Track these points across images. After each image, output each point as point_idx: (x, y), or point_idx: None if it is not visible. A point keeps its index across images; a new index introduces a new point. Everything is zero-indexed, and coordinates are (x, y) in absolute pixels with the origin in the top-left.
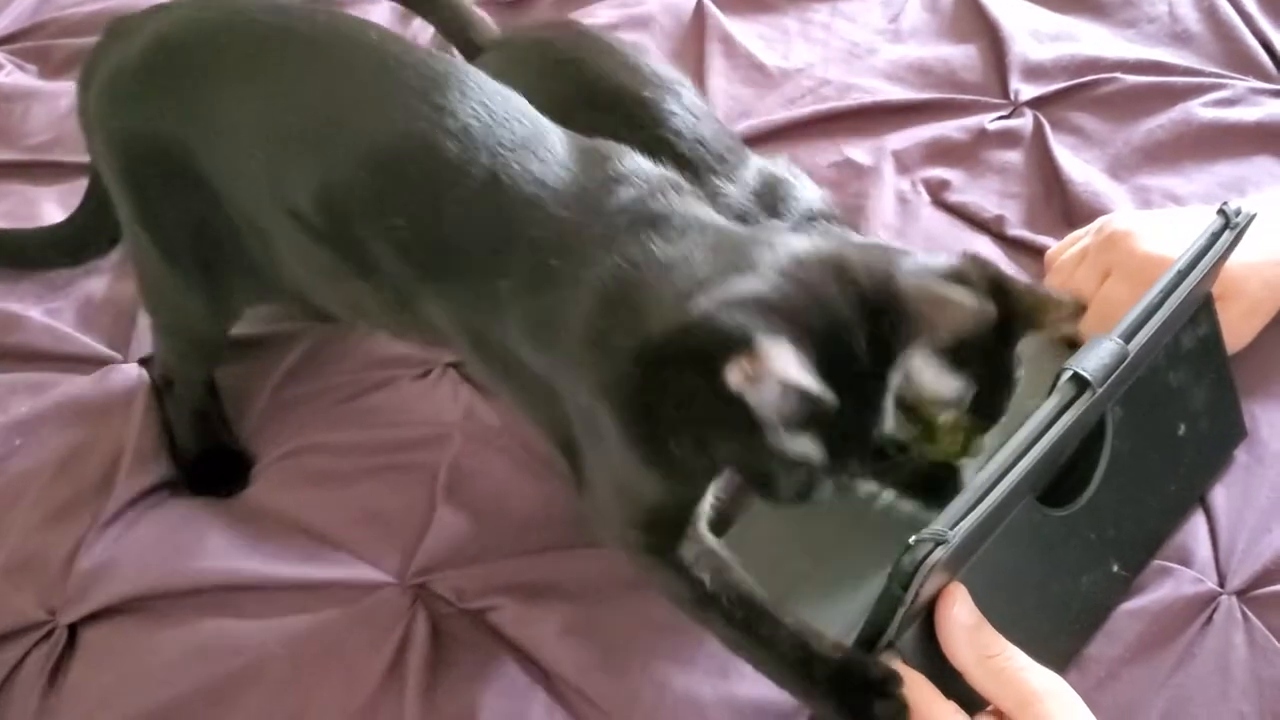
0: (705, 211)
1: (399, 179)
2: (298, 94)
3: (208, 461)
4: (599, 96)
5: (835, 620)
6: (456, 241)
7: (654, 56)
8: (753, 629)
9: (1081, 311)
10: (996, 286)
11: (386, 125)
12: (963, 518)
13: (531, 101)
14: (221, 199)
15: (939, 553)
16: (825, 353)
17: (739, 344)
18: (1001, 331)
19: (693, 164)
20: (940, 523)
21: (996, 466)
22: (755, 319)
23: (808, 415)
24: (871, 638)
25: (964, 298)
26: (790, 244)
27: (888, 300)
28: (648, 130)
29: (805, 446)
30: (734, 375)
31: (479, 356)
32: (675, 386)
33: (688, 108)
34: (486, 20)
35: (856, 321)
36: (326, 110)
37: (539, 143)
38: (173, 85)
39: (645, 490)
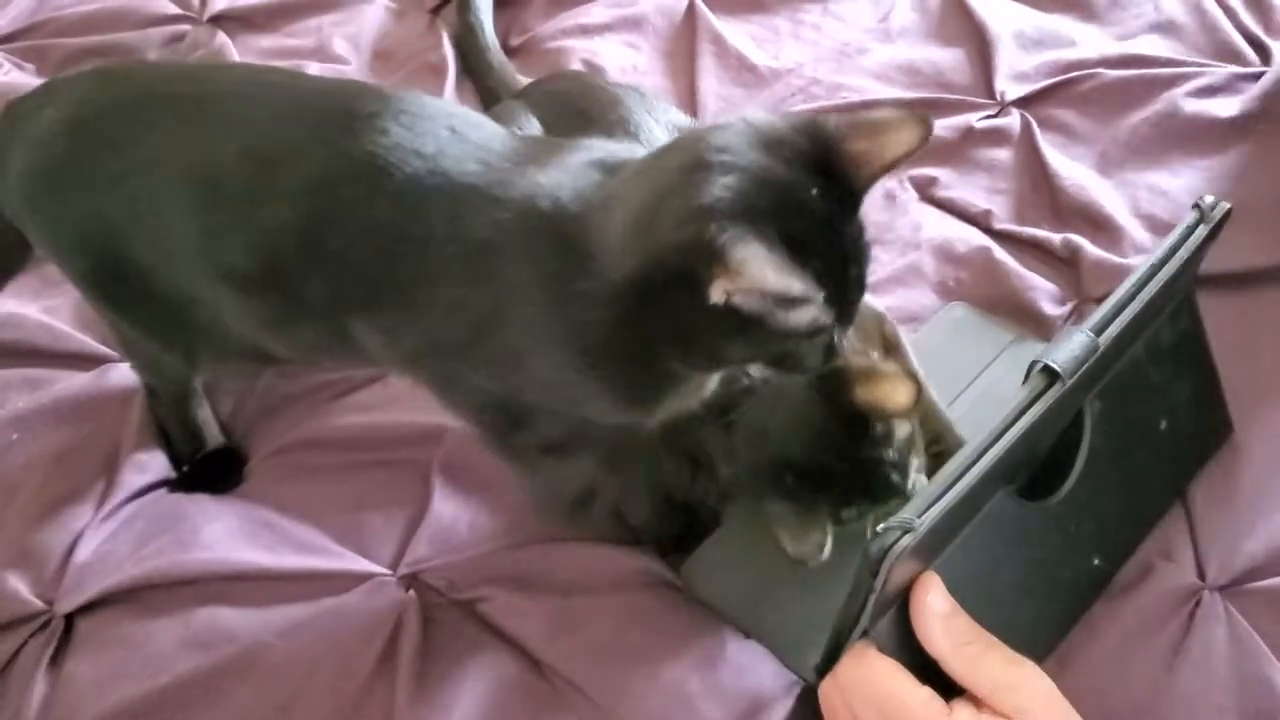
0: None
1: (327, 205)
2: (217, 154)
3: (201, 459)
4: None
5: (817, 615)
6: (383, 253)
7: (658, 103)
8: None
9: None
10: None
11: (317, 154)
12: (930, 505)
13: None
14: (157, 278)
15: (906, 540)
16: (788, 225)
17: (711, 260)
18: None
19: None
20: (908, 510)
21: (965, 456)
22: (719, 227)
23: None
24: (846, 626)
25: (891, 114)
26: (707, 139)
27: (821, 144)
28: None
29: (809, 314)
30: (717, 293)
31: (417, 363)
32: (663, 314)
33: None
34: (513, 74)
35: (804, 178)
36: (248, 161)
37: (467, 141)
38: (95, 173)
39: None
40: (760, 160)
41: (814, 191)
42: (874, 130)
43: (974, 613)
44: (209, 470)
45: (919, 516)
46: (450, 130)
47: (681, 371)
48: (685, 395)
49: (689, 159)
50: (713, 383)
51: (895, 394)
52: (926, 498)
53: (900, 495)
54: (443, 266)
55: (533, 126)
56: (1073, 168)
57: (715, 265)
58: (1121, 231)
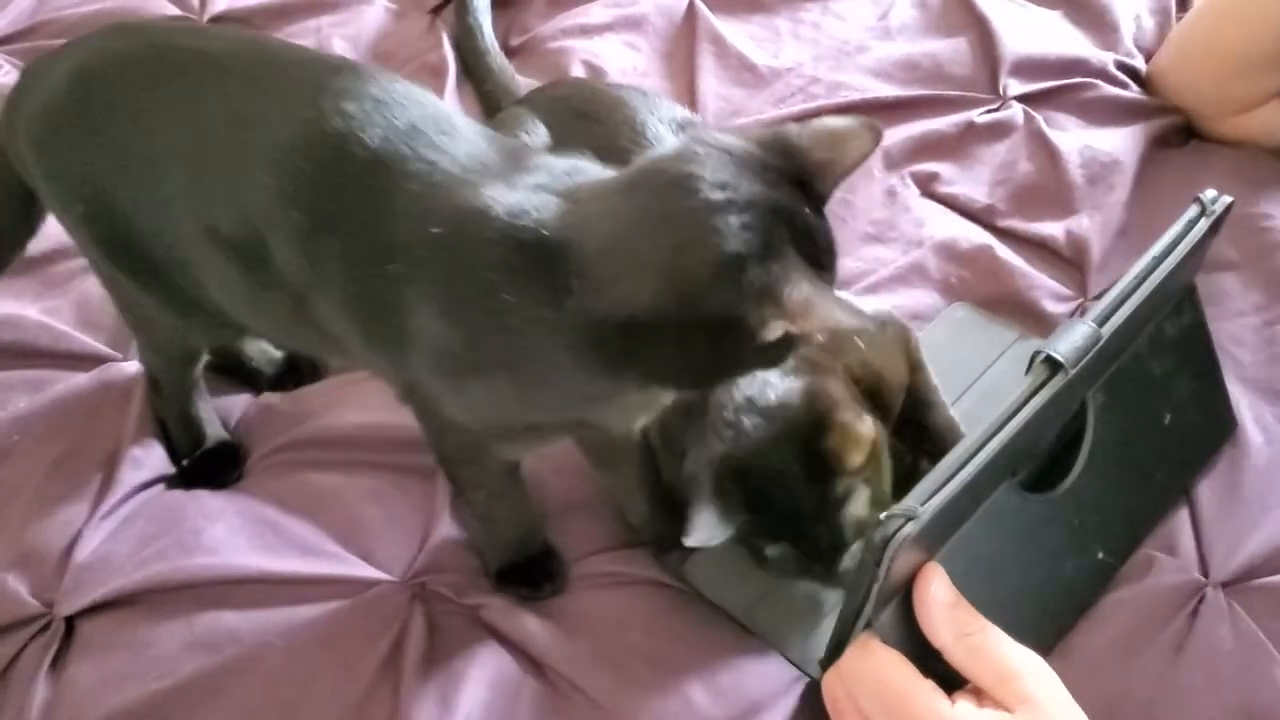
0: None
1: (296, 172)
2: (210, 113)
3: (201, 454)
4: (600, 152)
5: (820, 609)
6: (347, 223)
7: (661, 102)
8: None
9: None
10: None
11: (286, 122)
12: (934, 494)
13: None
14: (149, 233)
15: (909, 528)
16: (804, 249)
17: (764, 303)
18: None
19: None
20: (911, 499)
21: (968, 446)
22: (763, 271)
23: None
24: (849, 617)
25: (846, 123)
26: (695, 173)
27: (793, 159)
28: None
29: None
30: (774, 333)
31: (371, 350)
32: (661, 346)
33: None
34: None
35: (797, 199)
36: (236, 123)
37: (435, 125)
38: (98, 125)
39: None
40: (759, 190)
41: (806, 210)
42: (834, 140)
43: (978, 604)
44: (209, 465)
45: (922, 505)
46: (410, 125)
47: (644, 388)
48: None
49: (688, 197)
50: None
51: (852, 454)
52: (929, 486)
53: (823, 563)
54: (383, 258)
55: (539, 132)
56: (1082, 151)
57: (768, 308)
58: None
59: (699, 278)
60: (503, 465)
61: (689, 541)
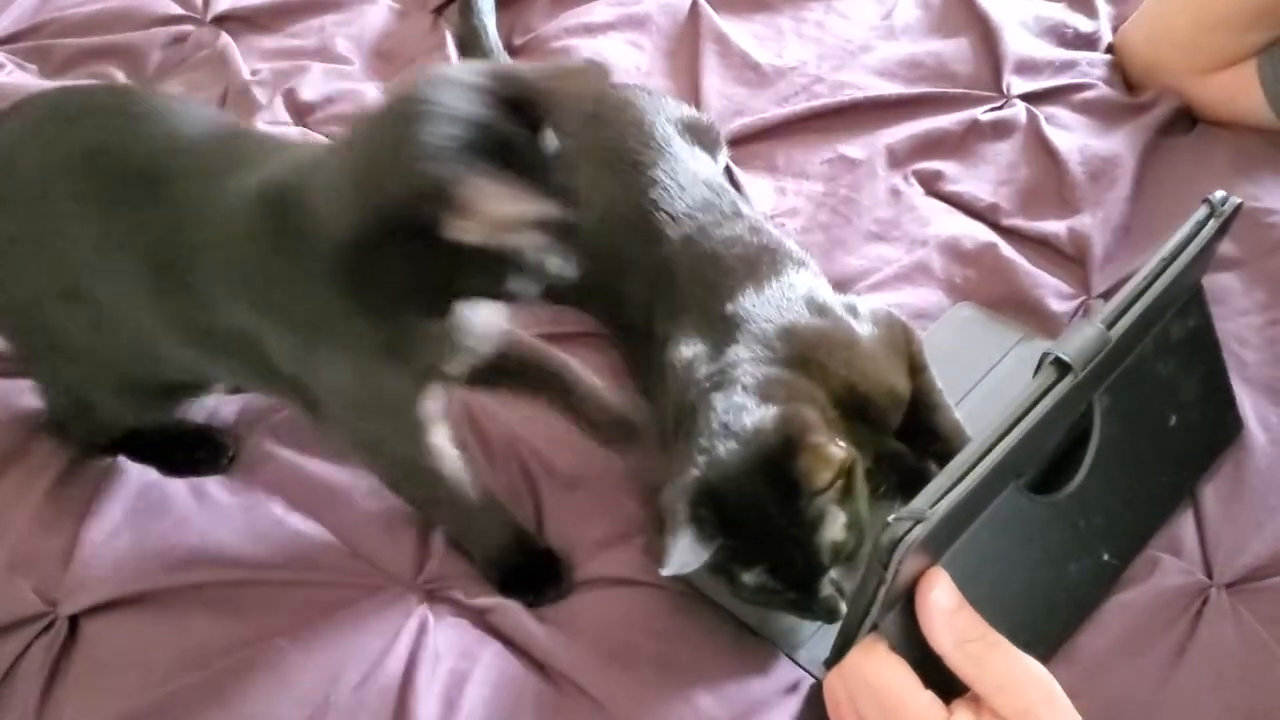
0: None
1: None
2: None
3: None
4: (609, 153)
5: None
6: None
7: (667, 101)
8: (465, 521)
9: None
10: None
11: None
12: (942, 497)
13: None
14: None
15: (918, 530)
16: (505, 162)
17: (441, 202)
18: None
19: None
20: (919, 502)
21: (976, 448)
22: (443, 169)
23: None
24: (855, 618)
25: (574, 62)
26: (414, 95)
27: (521, 91)
28: (631, 190)
29: (531, 240)
30: (453, 231)
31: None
32: (394, 266)
33: (675, 178)
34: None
35: (512, 120)
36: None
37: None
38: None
39: (380, 386)
40: (469, 108)
41: (521, 131)
42: (559, 74)
43: (983, 606)
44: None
45: (930, 507)
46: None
47: (423, 321)
48: (437, 347)
49: (399, 117)
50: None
51: (821, 472)
52: (937, 489)
53: (801, 589)
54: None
55: (547, 134)
56: (1082, 150)
57: (446, 206)
58: None
59: (389, 179)
60: (437, 472)
61: (665, 571)
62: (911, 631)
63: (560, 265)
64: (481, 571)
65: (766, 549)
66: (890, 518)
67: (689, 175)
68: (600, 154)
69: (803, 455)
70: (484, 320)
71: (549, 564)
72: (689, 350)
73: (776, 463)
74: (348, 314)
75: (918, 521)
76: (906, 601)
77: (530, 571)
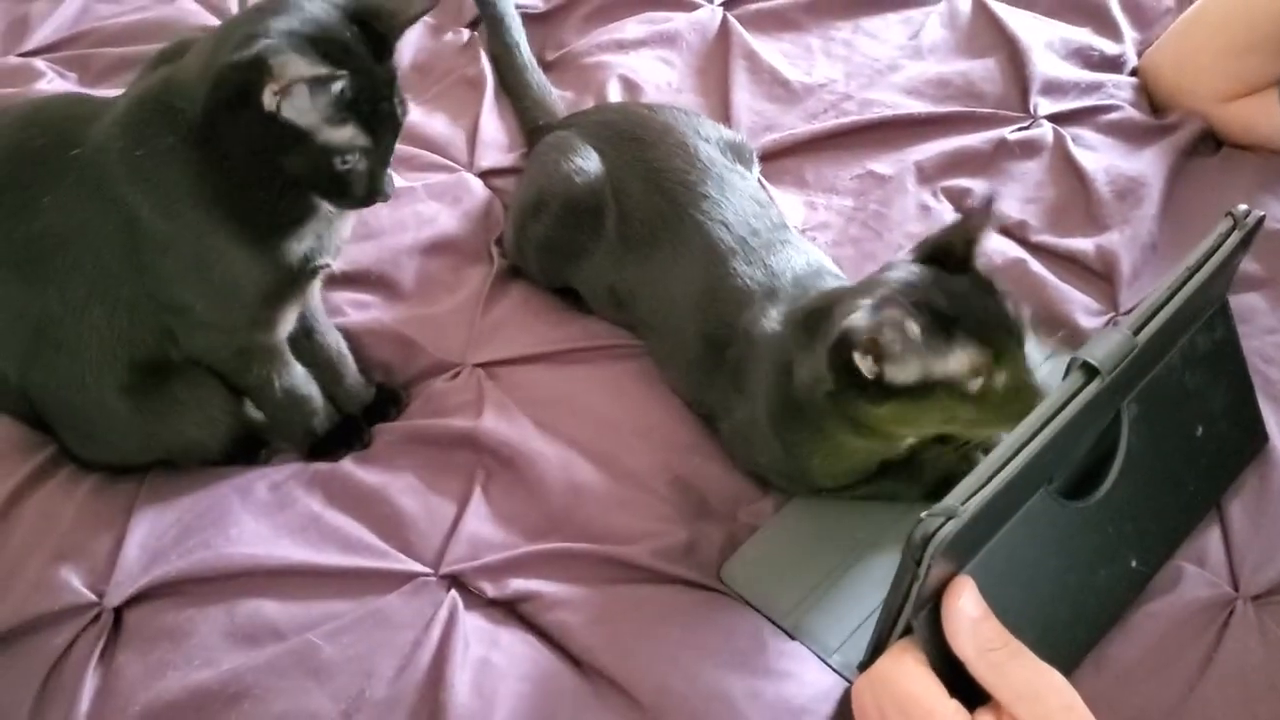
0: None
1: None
2: None
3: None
4: (656, 174)
5: (860, 614)
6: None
7: (704, 122)
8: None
9: None
10: None
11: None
12: (973, 494)
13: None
14: None
15: (950, 526)
16: (324, 47)
17: (260, 71)
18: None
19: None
20: (952, 499)
21: (1007, 448)
22: (264, 45)
23: (335, 103)
24: (889, 620)
25: None
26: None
27: (361, 4)
28: (682, 207)
29: (348, 133)
30: (268, 98)
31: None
32: (236, 137)
33: (724, 193)
34: (551, 93)
35: (342, 20)
36: None
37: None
38: None
39: (245, 280)
40: (306, 6)
41: (349, 31)
42: None
43: (1014, 609)
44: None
45: (962, 504)
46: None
47: (276, 199)
48: (308, 232)
49: (248, 14)
50: (345, 223)
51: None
52: (969, 486)
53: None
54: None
55: (591, 156)
56: (1109, 170)
57: (264, 75)
58: None
59: (224, 54)
60: (278, 346)
61: None
62: (937, 638)
63: (364, 182)
64: (292, 448)
65: None
66: (923, 514)
67: (735, 190)
68: (647, 173)
69: None
70: (330, 227)
71: (351, 426)
72: (775, 310)
73: None
74: (208, 187)
75: (950, 518)
76: (932, 608)
77: (335, 435)
